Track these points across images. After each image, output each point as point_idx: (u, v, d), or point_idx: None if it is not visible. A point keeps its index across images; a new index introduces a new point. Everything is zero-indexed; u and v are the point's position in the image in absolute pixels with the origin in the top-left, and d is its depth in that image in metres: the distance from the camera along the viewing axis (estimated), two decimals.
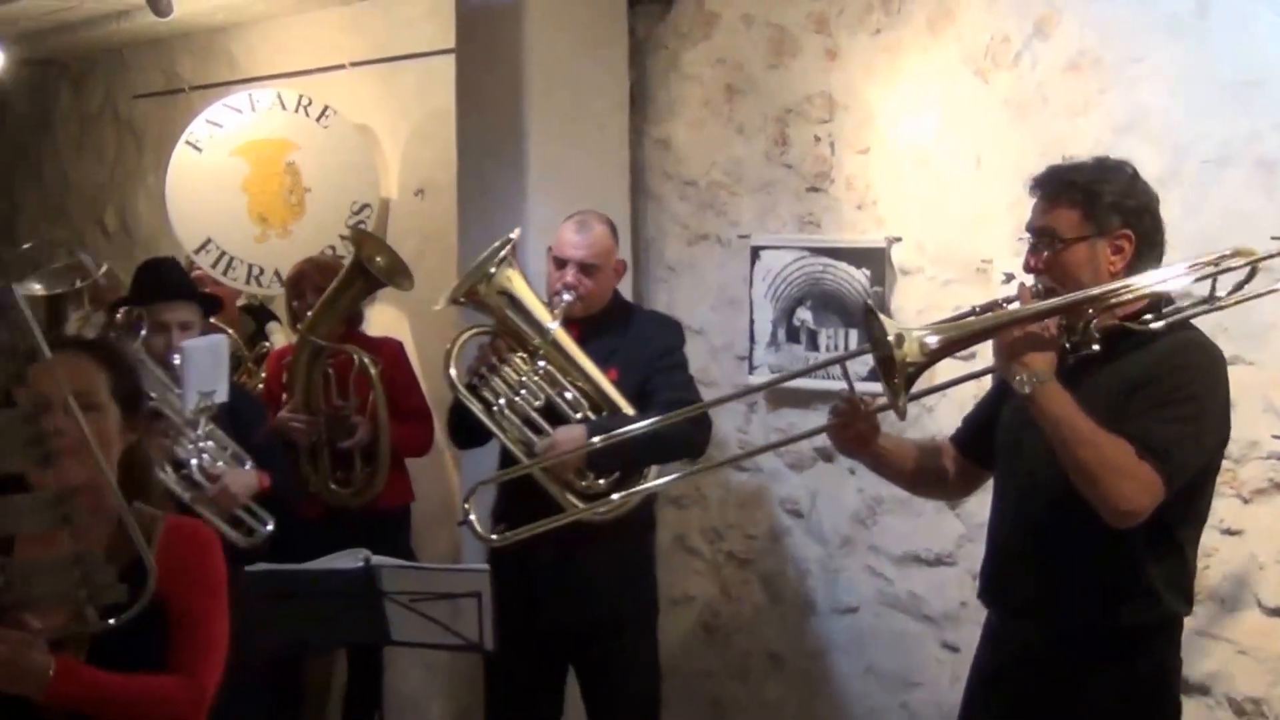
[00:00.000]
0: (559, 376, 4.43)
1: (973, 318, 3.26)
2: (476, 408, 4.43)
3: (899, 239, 4.70)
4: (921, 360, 3.15)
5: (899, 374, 3.12)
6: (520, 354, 4.44)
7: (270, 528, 4.68)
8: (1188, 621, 3.45)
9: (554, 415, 4.41)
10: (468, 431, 4.60)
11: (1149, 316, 3.21)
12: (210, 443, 4.59)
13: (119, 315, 4.78)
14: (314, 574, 4.29)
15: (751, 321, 5.06)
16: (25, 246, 7.15)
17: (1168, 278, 3.25)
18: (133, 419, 2.91)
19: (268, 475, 4.69)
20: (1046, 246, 3.25)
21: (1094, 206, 3.21)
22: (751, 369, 5.04)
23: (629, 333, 4.58)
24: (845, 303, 4.78)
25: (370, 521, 5.33)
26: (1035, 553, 3.28)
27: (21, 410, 2.49)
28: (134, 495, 2.84)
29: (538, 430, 4.39)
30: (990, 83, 4.46)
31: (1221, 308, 3.27)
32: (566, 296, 4.45)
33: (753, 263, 5.05)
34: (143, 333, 4.64)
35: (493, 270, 4.44)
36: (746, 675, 5.23)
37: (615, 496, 4.32)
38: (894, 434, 3.64)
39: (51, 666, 2.66)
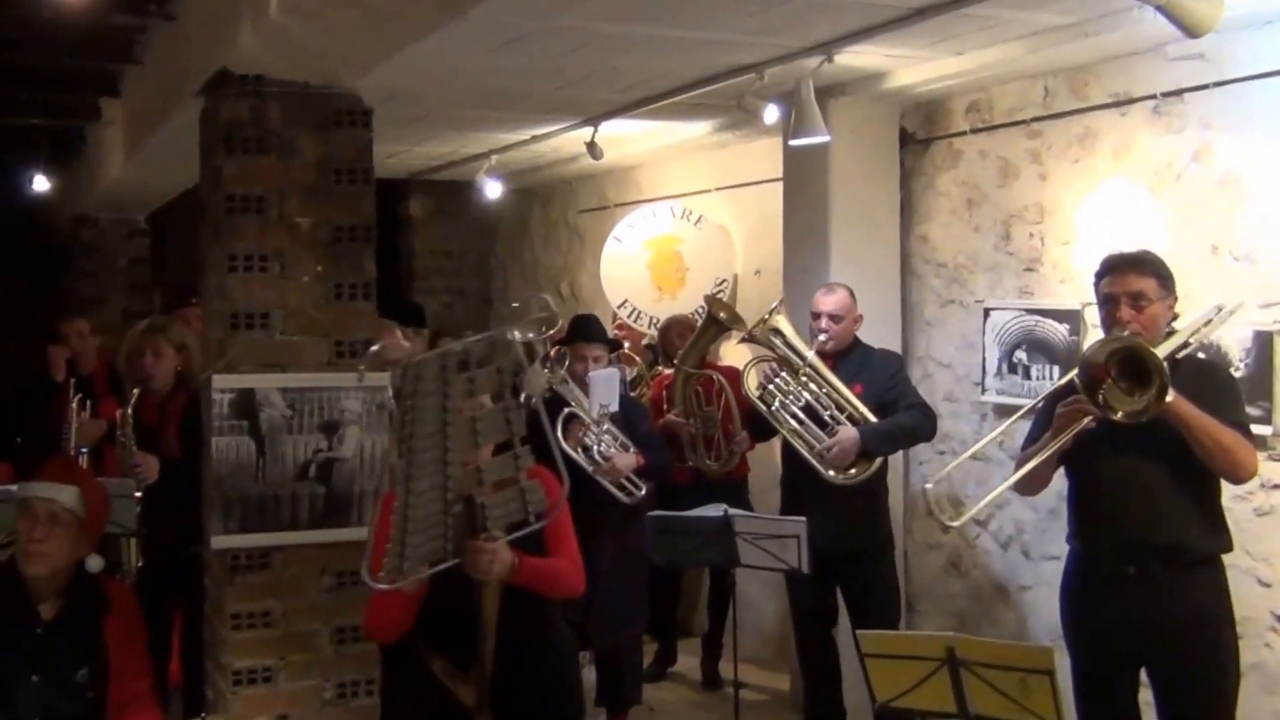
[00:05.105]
0: (815, 388, 4.46)
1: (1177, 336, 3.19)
2: (763, 409, 4.52)
3: (1090, 303, 4.45)
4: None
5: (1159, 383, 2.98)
6: (789, 373, 4.52)
7: (643, 492, 4.74)
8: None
9: (812, 413, 4.47)
10: (758, 427, 4.73)
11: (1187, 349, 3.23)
12: (607, 436, 4.70)
13: (553, 350, 4.86)
14: (692, 519, 4.37)
15: (983, 359, 4.91)
16: (514, 304, 7.45)
17: (1214, 324, 3.34)
18: None
19: (644, 457, 4.77)
20: (1138, 304, 3.19)
21: (1163, 279, 3.23)
22: (983, 391, 4.90)
23: (867, 361, 4.60)
24: (1050, 346, 4.60)
25: (722, 486, 5.39)
26: (1153, 511, 3.18)
27: (513, 403, 2.65)
28: None
29: (801, 422, 4.47)
30: (1159, 195, 4.23)
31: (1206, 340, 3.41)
32: (820, 337, 4.52)
33: (985, 319, 4.90)
34: (567, 362, 4.76)
35: (765, 318, 4.53)
36: (980, 599, 5.06)
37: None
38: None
39: (515, 559, 2.79)
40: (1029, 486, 3.49)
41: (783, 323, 4.60)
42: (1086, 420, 3.16)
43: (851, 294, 4.62)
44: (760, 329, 4.62)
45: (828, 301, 4.56)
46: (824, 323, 4.53)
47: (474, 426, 2.58)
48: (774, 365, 4.59)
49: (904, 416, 4.40)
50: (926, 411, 4.48)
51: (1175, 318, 3.27)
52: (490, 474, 2.65)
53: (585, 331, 4.94)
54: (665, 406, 5.58)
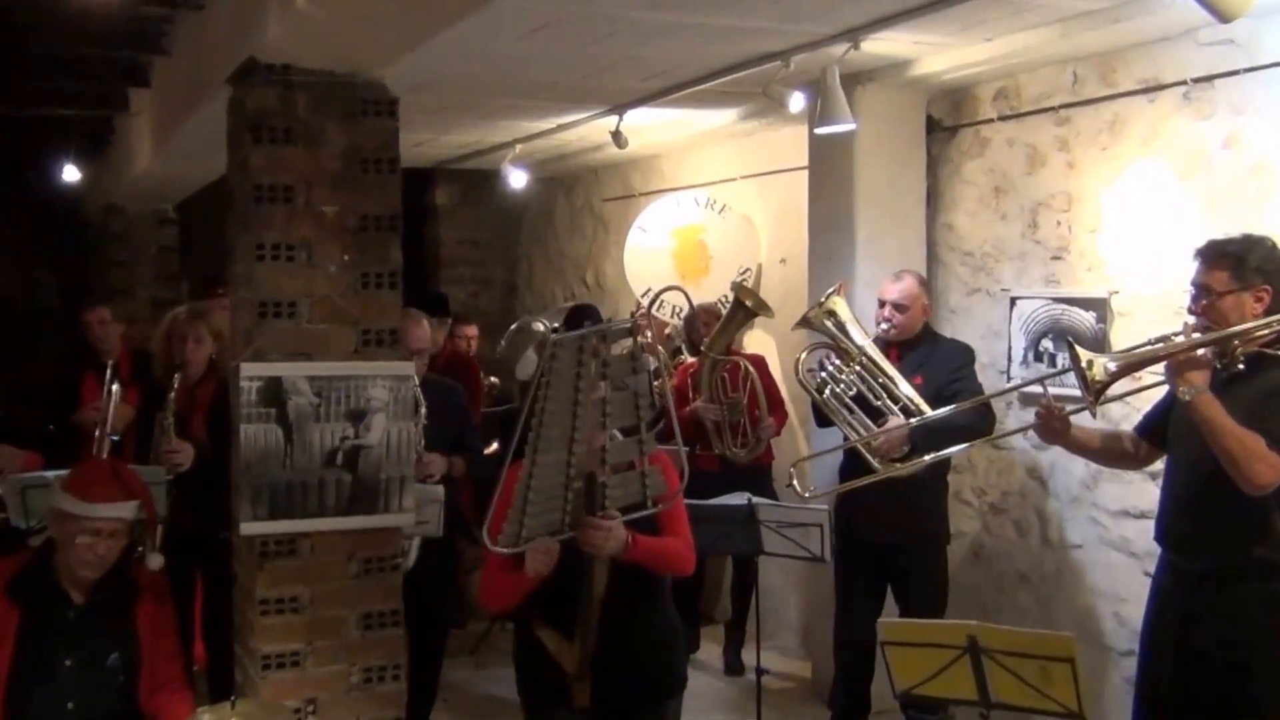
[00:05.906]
0: (869, 377, 4.40)
1: (1146, 347, 3.12)
2: (815, 396, 4.46)
3: (1117, 292, 4.46)
4: (1105, 379, 3.07)
5: (1091, 386, 3.02)
6: (842, 360, 4.45)
7: None
8: None
9: (864, 403, 4.38)
10: (822, 414, 4.61)
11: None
12: None
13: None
14: (716, 508, 4.37)
15: (1009, 348, 4.88)
16: (566, 305, 7.49)
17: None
18: None
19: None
20: (1205, 297, 3.08)
21: (1240, 269, 3.05)
22: (1009, 380, 4.86)
23: (934, 353, 4.50)
24: (1077, 336, 4.55)
25: (746, 473, 5.40)
26: (1197, 509, 3.11)
27: (635, 392, 2.67)
28: None
29: (851, 411, 4.38)
30: (1188, 183, 4.19)
31: None
32: (883, 326, 4.44)
33: (1011, 308, 4.88)
34: None
35: (823, 301, 4.48)
36: (1003, 588, 5.05)
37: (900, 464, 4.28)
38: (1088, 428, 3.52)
39: (630, 537, 2.84)
40: (1106, 462, 3.73)
41: (840, 306, 4.50)
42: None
43: (921, 282, 4.54)
44: (816, 313, 4.54)
45: (893, 290, 4.48)
46: (887, 311, 4.46)
47: (603, 409, 2.62)
48: (829, 352, 4.51)
49: (957, 412, 4.20)
50: (983, 410, 4.27)
51: (1271, 310, 3.05)
52: (613, 456, 2.71)
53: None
54: (691, 395, 5.58)
